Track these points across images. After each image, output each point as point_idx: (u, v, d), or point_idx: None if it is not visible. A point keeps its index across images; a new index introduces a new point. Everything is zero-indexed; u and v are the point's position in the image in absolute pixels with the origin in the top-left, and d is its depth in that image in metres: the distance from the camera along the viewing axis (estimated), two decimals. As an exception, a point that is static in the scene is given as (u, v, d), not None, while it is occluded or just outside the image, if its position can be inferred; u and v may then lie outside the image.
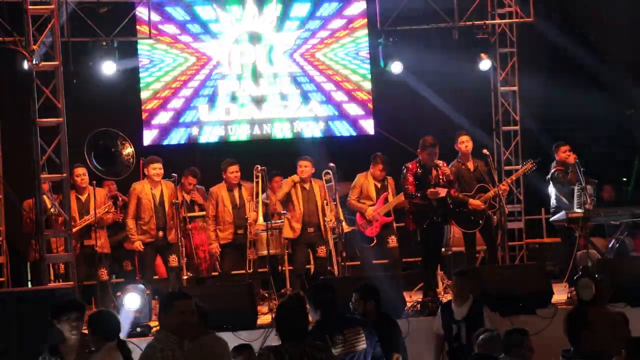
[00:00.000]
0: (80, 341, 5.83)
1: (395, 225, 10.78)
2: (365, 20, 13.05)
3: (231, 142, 12.78)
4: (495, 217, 10.54)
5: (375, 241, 10.74)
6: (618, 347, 4.71)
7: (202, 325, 5.96)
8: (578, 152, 10.79)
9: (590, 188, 10.44)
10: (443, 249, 10.58)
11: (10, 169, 10.61)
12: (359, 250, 11.26)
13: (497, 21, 12.55)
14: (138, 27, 12.17)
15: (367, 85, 13.18)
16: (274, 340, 7.52)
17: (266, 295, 10.09)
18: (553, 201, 10.96)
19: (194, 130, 12.75)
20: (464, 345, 7.55)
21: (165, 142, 12.63)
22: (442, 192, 9.66)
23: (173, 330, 5.06)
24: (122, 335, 5.83)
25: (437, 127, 11.16)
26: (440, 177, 9.77)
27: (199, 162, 11.79)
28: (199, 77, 12.76)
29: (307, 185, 10.52)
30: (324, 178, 10.45)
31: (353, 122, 13.16)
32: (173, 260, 10.10)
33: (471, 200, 10.22)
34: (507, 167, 12.57)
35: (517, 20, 12.50)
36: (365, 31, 13.08)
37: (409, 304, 9.36)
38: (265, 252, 10.12)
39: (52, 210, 9.64)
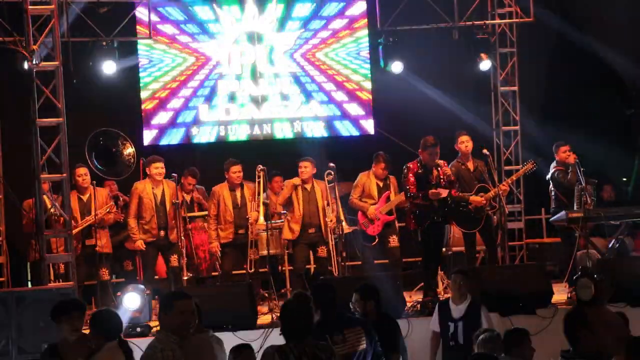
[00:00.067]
0: (80, 341, 5.85)
1: (397, 224, 10.77)
2: (366, 20, 13.06)
3: (230, 142, 12.78)
4: (495, 217, 10.55)
5: (377, 240, 10.74)
6: (617, 347, 4.71)
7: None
8: (578, 152, 10.79)
9: (590, 188, 10.44)
10: (443, 249, 10.57)
11: (10, 169, 10.61)
12: (359, 249, 11.27)
13: (497, 21, 12.55)
14: (138, 27, 12.18)
15: (368, 85, 13.20)
16: (274, 340, 7.52)
17: (266, 295, 10.09)
18: (553, 201, 10.96)
19: (193, 130, 12.75)
20: (461, 345, 7.54)
21: (164, 142, 12.62)
22: (444, 193, 9.66)
23: (173, 330, 5.06)
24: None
25: (438, 127, 11.16)
26: (441, 177, 9.76)
27: (199, 162, 11.78)
28: (199, 77, 12.76)
29: (308, 186, 10.52)
30: (326, 178, 10.44)
31: (355, 122, 13.18)
32: (174, 260, 10.11)
33: (472, 197, 10.23)
34: (507, 167, 12.57)
35: (517, 20, 12.50)
36: (366, 31, 13.09)
37: (409, 304, 9.36)
38: (265, 252, 10.13)
39: (52, 210, 9.64)
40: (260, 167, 10.25)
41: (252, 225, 10.23)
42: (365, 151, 11.34)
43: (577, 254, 10.20)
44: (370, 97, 13.18)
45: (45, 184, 9.57)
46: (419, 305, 9.26)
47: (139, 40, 12.33)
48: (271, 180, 11.07)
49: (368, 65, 13.16)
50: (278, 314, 8.80)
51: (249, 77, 12.84)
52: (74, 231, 9.84)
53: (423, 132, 10.19)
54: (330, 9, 13.12)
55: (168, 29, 12.64)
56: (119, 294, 9.31)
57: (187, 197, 10.94)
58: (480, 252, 11.05)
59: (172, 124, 12.71)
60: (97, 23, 11.06)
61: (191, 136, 12.73)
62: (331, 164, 10.43)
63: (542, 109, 13.43)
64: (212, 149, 12.69)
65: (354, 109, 13.16)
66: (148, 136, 12.61)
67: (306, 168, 10.48)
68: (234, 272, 10.72)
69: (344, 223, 10.31)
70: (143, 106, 12.60)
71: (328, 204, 10.36)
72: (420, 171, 9.76)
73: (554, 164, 10.90)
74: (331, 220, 10.32)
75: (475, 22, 12.18)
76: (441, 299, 9.42)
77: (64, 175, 9.52)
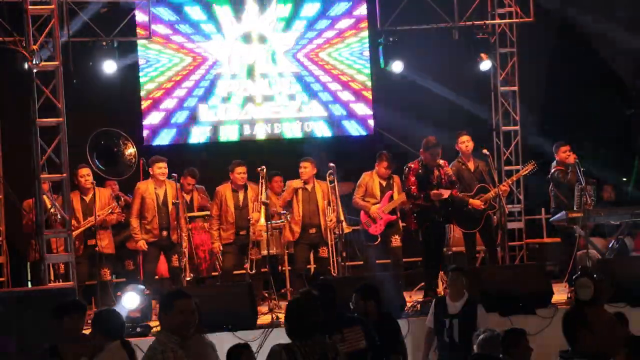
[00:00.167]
0: (80, 341, 5.84)
1: (401, 223, 10.77)
2: (366, 20, 13.08)
3: (228, 142, 12.79)
4: (495, 217, 10.55)
5: (379, 239, 10.75)
6: (617, 348, 4.70)
7: None
8: (578, 152, 10.79)
9: (590, 188, 10.44)
10: (444, 249, 10.58)
11: (10, 169, 10.61)
12: (359, 249, 11.27)
13: (497, 21, 12.55)
14: (138, 29, 12.20)
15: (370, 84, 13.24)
16: (274, 340, 7.52)
17: (266, 295, 10.09)
18: (553, 201, 10.96)
19: (188, 130, 12.75)
20: (456, 342, 7.52)
21: (161, 142, 12.61)
22: (446, 193, 9.66)
23: (173, 330, 5.05)
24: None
25: (438, 127, 11.17)
26: (443, 177, 9.77)
27: (191, 162, 11.78)
28: (194, 77, 12.74)
29: (308, 187, 10.51)
30: (327, 179, 10.44)
31: (361, 121, 13.19)
32: (175, 260, 10.11)
33: (471, 200, 10.23)
34: (507, 167, 12.57)
35: (517, 20, 12.50)
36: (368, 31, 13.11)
37: (409, 304, 9.35)
38: (265, 252, 10.13)
39: (52, 210, 9.64)
40: (264, 167, 10.24)
41: (253, 225, 10.23)
42: (364, 151, 11.34)
43: (577, 254, 10.21)
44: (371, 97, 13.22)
45: (45, 184, 9.57)
46: (419, 305, 9.25)
47: (139, 41, 12.34)
48: (271, 180, 11.07)
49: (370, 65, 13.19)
50: (279, 314, 8.90)
51: (245, 77, 12.84)
52: (76, 232, 9.87)
53: (423, 132, 10.20)
54: (337, 9, 13.14)
55: (168, 29, 12.64)
56: (119, 293, 9.32)
57: (187, 197, 10.95)
58: (481, 252, 11.06)
59: (166, 124, 12.70)
60: (97, 23, 11.06)
61: (185, 136, 12.72)
62: (331, 164, 10.43)
63: (542, 109, 13.43)
64: (207, 148, 12.74)
65: (361, 109, 13.19)
66: (147, 136, 12.63)
67: (306, 168, 10.48)
68: (234, 272, 10.71)
69: (343, 223, 10.30)
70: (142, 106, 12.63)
71: (329, 204, 10.36)
72: (421, 171, 9.76)
73: (554, 164, 10.90)
74: (331, 220, 10.32)
75: (475, 22, 12.17)
76: (440, 297, 9.43)
77: (64, 175, 9.52)
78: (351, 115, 13.18)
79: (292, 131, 13.02)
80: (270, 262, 10.27)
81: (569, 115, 12.88)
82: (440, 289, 10.25)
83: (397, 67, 12.02)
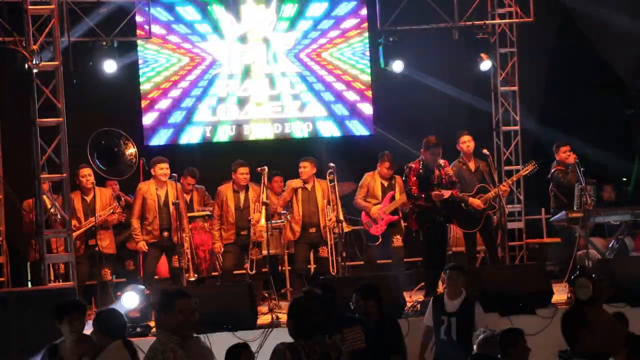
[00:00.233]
0: (80, 341, 5.84)
1: (403, 223, 10.77)
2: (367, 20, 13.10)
3: (224, 142, 12.80)
4: (495, 217, 10.55)
5: (380, 240, 10.74)
6: (616, 347, 4.70)
7: None
8: (578, 152, 10.79)
9: (590, 188, 10.44)
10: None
11: (10, 169, 10.61)
12: (359, 249, 11.26)
13: (497, 21, 12.55)
14: (139, 30, 12.21)
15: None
16: (274, 340, 7.52)
17: (266, 295, 10.09)
18: (553, 201, 10.96)
19: (188, 130, 12.76)
20: (454, 340, 7.50)
21: (157, 143, 12.61)
22: (447, 194, 9.66)
23: (173, 330, 5.05)
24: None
25: (439, 127, 11.17)
26: (443, 177, 9.76)
27: (194, 163, 11.78)
28: (190, 78, 12.74)
29: (308, 186, 10.51)
30: (327, 178, 10.44)
31: (365, 120, 13.19)
32: (175, 260, 10.11)
33: (471, 199, 10.23)
34: (507, 167, 12.57)
35: (517, 20, 12.50)
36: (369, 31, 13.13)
37: (409, 304, 9.35)
38: (265, 252, 10.13)
39: (52, 210, 9.64)
40: (266, 167, 10.23)
41: (254, 226, 10.23)
42: (365, 151, 11.34)
43: (577, 254, 10.21)
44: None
45: (45, 184, 9.57)
46: (419, 305, 9.24)
47: (138, 41, 12.35)
48: (271, 180, 11.07)
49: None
50: (279, 314, 8.90)
51: (245, 77, 12.83)
52: (78, 232, 9.87)
53: (424, 132, 10.20)
54: (343, 9, 13.14)
55: (159, 29, 12.60)
56: (119, 293, 9.32)
57: (187, 197, 10.95)
58: (481, 252, 11.05)
59: (162, 124, 12.71)
60: (97, 23, 11.06)
61: (180, 136, 12.72)
62: (331, 164, 10.43)
63: (542, 109, 13.43)
64: (202, 148, 12.73)
65: (367, 108, 13.19)
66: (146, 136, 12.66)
67: (305, 168, 10.48)
68: (234, 272, 10.71)
69: (343, 222, 10.30)
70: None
71: (329, 203, 10.36)
72: (422, 171, 9.76)
73: (554, 164, 10.91)
74: (330, 220, 10.32)
75: (475, 22, 12.17)
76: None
77: (64, 175, 9.52)
78: (356, 115, 13.18)
79: (301, 131, 13.03)
80: (270, 262, 10.27)
81: (569, 115, 12.88)
82: (440, 289, 10.25)
83: (397, 66, 12.01)
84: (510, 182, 11.10)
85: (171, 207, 10.07)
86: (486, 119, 12.72)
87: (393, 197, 10.68)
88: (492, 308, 8.30)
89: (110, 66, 11.09)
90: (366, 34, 13.18)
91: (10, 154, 10.64)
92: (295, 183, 10.54)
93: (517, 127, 12.74)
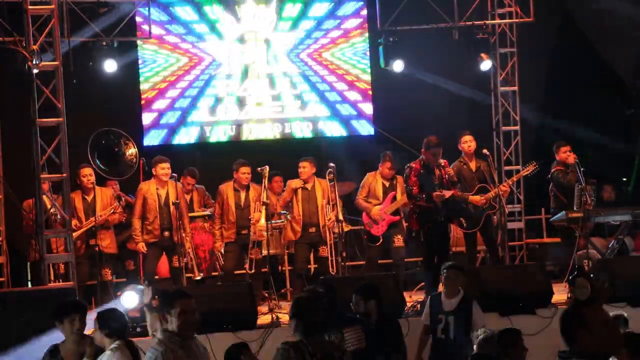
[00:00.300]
0: (80, 342, 5.84)
1: (404, 223, 10.76)
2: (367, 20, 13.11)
3: (222, 142, 12.80)
4: (495, 217, 10.55)
5: (381, 240, 10.74)
6: (615, 347, 4.71)
7: None
8: (578, 152, 10.79)
9: (590, 188, 10.44)
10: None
11: (10, 169, 10.61)
12: (359, 249, 11.26)
13: (497, 21, 12.54)
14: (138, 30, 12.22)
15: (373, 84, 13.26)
16: (274, 340, 7.52)
17: (266, 295, 10.10)
18: (553, 201, 10.96)
19: (185, 130, 12.75)
20: (451, 339, 7.49)
21: (154, 143, 12.60)
22: (448, 194, 9.65)
23: (173, 330, 5.04)
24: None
25: (439, 127, 11.17)
26: (444, 177, 9.76)
27: (193, 163, 11.78)
28: (189, 78, 12.73)
29: (308, 186, 10.52)
30: (327, 178, 10.44)
31: (369, 120, 13.21)
32: (176, 260, 10.11)
33: (471, 197, 10.24)
34: (507, 167, 12.57)
35: (517, 20, 12.50)
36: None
37: (409, 304, 9.35)
38: (265, 252, 10.13)
39: (52, 210, 9.64)
40: (267, 167, 10.23)
41: (254, 225, 10.23)
42: (365, 151, 11.34)
43: (577, 254, 10.21)
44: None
45: (45, 184, 9.57)
46: (419, 305, 9.24)
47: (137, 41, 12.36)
48: (271, 180, 11.07)
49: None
50: (279, 314, 8.90)
51: (245, 77, 12.83)
52: (79, 232, 9.87)
53: (424, 132, 10.20)
54: (346, 9, 13.14)
55: (157, 30, 12.57)
56: (119, 293, 9.31)
57: (187, 197, 10.95)
58: (481, 252, 11.05)
59: (161, 124, 12.70)
60: (97, 23, 11.05)
61: (177, 136, 12.72)
62: (331, 164, 10.43)
63: (542, 109, 13.43)
64: (199, 148, 12.74)
65: (369, 108, 13.20)
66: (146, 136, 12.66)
67: (304, 168, 10.49)
68: (234, 272, 10.71)
69: (343, 222, 10.29)
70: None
71: (329, 203, 10.35)
72: (422, 171, 9.76)
73: (554, 164, 10.91)
74: (330, 219, 10.32)
75: (475, 22, 12.16)
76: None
77: (64, 175, 9.52)
78: (361, 115, 13.18)
79: (301, 131, 13.01)
80: (270, 262, 10.27)
81: (569, 115, 12.88)
82: (441, 289, 10.24)
83: (397, 66, 12.01)
84: (511, 183, 11.10)
85: (172, 207, 10.08)
86: (486, 119, 12.72)
87: (394, 198, 10.67)
88: (492, 308, 8.31)
89: (110, 66, 11.09)
90: (367, 34, 13.17)
91: (10, 154, 10.64)
92: (295, 183, 10.55)
93: (517, 127, 12.73)
